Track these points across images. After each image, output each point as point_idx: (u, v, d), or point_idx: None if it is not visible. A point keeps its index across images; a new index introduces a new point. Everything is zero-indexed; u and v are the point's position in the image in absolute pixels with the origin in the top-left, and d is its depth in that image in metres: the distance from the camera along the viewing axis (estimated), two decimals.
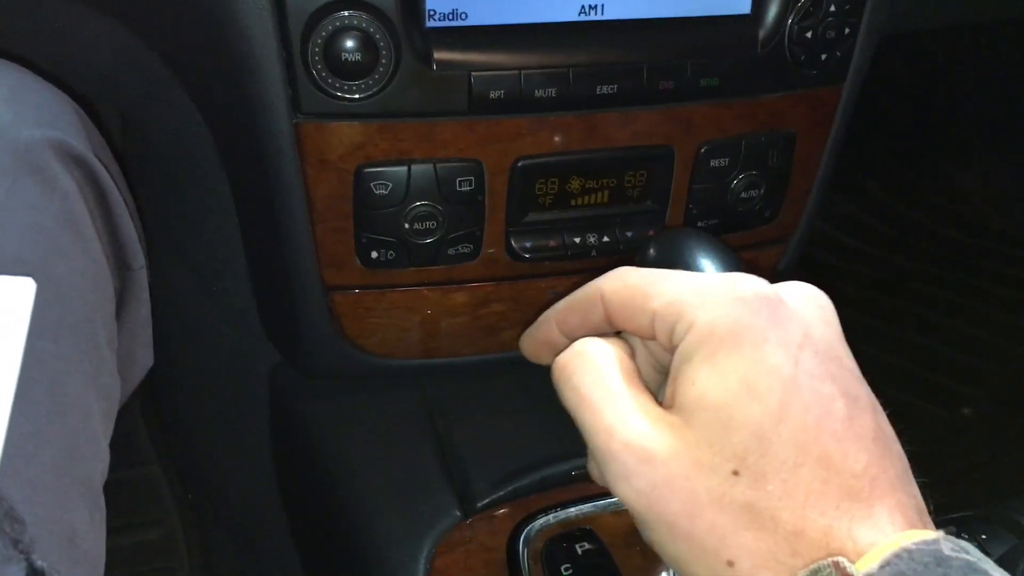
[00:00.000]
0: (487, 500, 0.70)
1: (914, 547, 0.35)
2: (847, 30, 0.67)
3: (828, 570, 0.35)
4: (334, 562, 0.82)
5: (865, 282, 1.61)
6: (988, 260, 1.66)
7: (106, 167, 0.55)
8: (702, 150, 0.69)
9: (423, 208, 0.65)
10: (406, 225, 0.65)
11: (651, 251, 0.65)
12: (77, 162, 0.52)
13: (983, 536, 0.78)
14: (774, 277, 0.43)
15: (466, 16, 0.61)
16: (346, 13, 0.58)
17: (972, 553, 0.36)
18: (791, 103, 0.70)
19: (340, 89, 0.60)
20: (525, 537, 0.67)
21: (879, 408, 0.41)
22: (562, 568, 0.65)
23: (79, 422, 0.46)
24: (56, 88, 0.57)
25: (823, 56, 0.68)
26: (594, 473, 0.44)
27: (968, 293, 1.61)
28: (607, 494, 0.70)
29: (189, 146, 0.77)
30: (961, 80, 1.67)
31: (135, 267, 0.58)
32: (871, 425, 0.39)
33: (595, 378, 0.42)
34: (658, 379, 0.45)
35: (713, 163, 0.69)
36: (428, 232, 0.66)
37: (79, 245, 0.50)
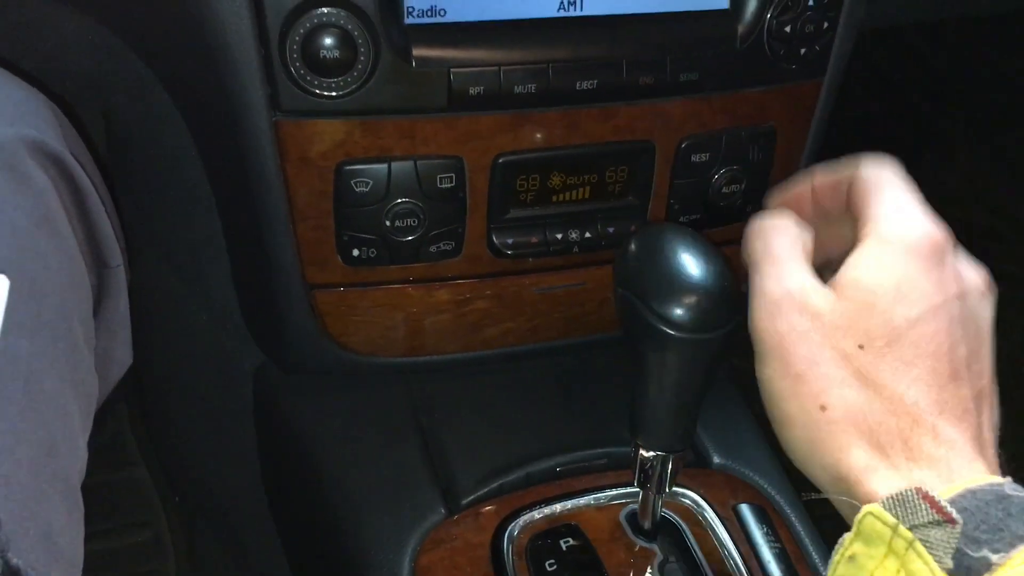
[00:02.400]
0: (472, 497, 0.70)
1: (978, 488, 0.41)
2: (826, 24, 0.67)
3: (914, 495, 0.40)
4: (321, 560, 0.82)
5: None
6: (977, 256, 1.67)
7: (83, 165, 0.55)
8: (683, 145, 0.69)
9: (404, 205, 0.65)
10: (387, 222, 0.65)
11: (633, 246, 0.65)
12: (52, 160, 0.52)
13: None
14: None
15: (445, 13, 0.61)
16: (324, 10, 0.58)
17: None
18: (771, 97, 0.70)
19: (319, 86, 0.59)
20: (510, 534, 0.67)
21: (994, 390, 0.48)
22: (547, 564, 0.65)
23: (55, 420, 0.46)
24: (31, 87, 0.57)
25: (802, 50, 0.68)
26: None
27: None
28: (592, 490, 0.71)
29: (171, 145, 0.77)
30: (943, 74, 1.67)
31: (112, 264, 0.57)
32: (981, 383, 0.46)
33: (784, 241, 0.50)
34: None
35: (694, 158, 0.69)
36: (409, 229, 0.66)
37: (54, 242, 0.50)
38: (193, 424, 1.03)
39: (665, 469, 0.59)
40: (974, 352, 0.46)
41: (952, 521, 0.39)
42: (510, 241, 0.69)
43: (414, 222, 0.66)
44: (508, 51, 0.62)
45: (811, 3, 0.66)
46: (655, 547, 0.66)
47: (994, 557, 0.39)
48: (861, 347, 0.45)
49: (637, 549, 0.66)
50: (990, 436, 0.46)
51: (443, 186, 0.65)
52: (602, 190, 0.69)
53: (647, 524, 0.65)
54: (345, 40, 0.58)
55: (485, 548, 0.67)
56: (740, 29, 0.66)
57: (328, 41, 0.58)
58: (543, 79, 0.63)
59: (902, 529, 0.40)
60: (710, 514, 0.68)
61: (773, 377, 0.47)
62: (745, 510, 0.69)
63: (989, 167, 1.71)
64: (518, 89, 0.62)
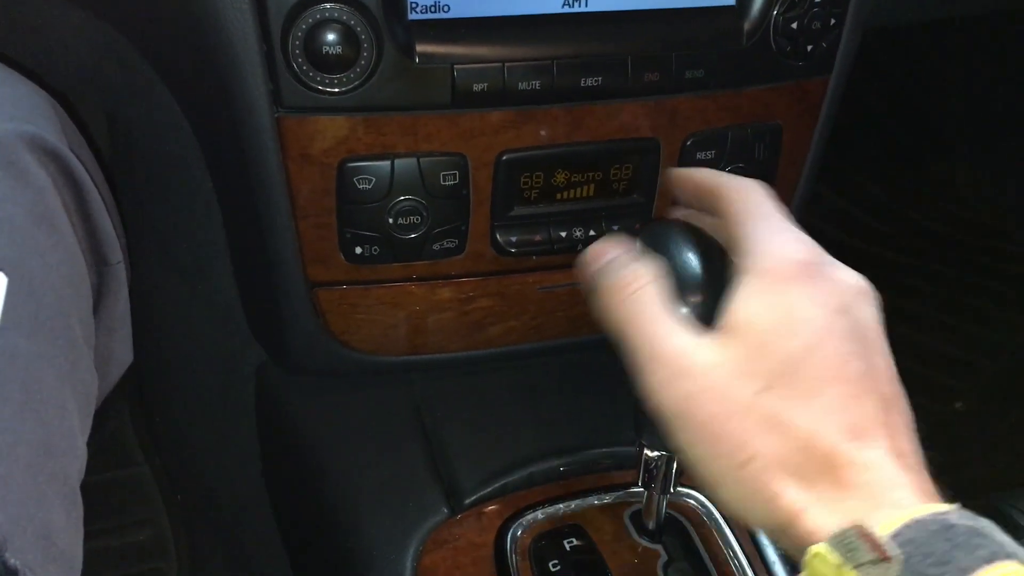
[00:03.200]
0: (475, 497, 0.70)
1: (923, 517, 0.39)
2: (832, 21, 0.67)
3: (853, 534, 0.39)
4: (322, 560, 0.81)
5: None
6: (978, 254, 1.66)
7: (83, 162, 0.54)
8: (688, 142, 0.68)
9: (407, 203, 0.64)
10: (390, 220, 0.65)
11: (638, 244, 0.64)
12: (51, 156, 0.51)
13: None
14: None
15: (448, 8, 0.61)
16: (327, 5, 0.57)
17: (980, 522, 0.39)
18: (777, 95, 0.69)
19: (321, 83, 0.59)
20: (513, 534, 0.67)
21: (899, 393, 0.46)
22: (550, 564, 0.64)
23: (54, 418, 0.46)
24: (31, 83, 0.57)
25: (809, 47, 0.67)
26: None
27: (959, 287, 1.61)
28: (596, 490, 0.71)
29: (173, 143, 0.77)
30: (950, 73, 1.67)
31: (112, 262, 0.57)
32: (883, 391, 0.45)
33: (645, 298, 0.48)
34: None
35: (699, 155, 0.69)
36: (412, 227, 0.65)
37: (53, 239, 0.49)
38: (195, 423, 1.02)
39: (670, 469, 0.58)
40: (870, 362, 0.45)
41: (888, 559, 0.38)
42: (514, 239, 0.69)
43: (417, 220, 0.65)
44: (512, 47, 0.62)
45: (817, 0, 0.66)
46: (660, 548, 0.65)
47: None
48: (768, 388, 0.44)
49: (641, 550, 0.65)
50: (908, 444, 0.44)
51: (446, 183, 0.65)
52: (606, 188, 0.69)
53: (652, 524, 0.64)
54: (348, 36, 0.58)
55: (488, 548, 0.66)
56: (746, 26, 0.65)
57: (331, 37, 0.58)
58: (547, 76, 0.62)
59: (845, 571, 0.39)
60: (715, 514, 0.68)
61: (689, 444, 0.46)
62: None
63: (994, 166, 1.70)
64: (522, 86, 0.62)
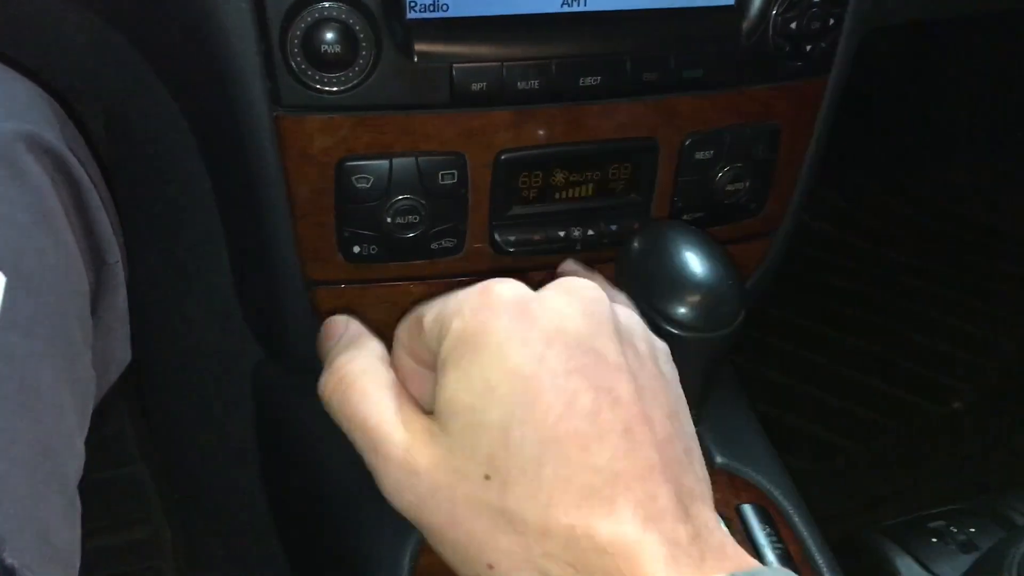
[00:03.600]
0: None
1: None
2: (831, 21, 0.67)
3: None
4: (320, 559, 0.81)
5: (854, 276, 1.61)
6: (977, 254, 1.67)
7: (81, 161, 0.54)
8: (687, 142, 0.68)
9: (405, 202, 0.64)
10: (388, 219, 0.65)
11: (636, 244, 0.64)
12: (49, 155, 0.51)
13: (972, 529, 0.78)
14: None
15: (447, 7, 0.61)
16: (326, 4, 0.57)
17: None
18: (776, 95, 0.69)
19: (320, 81, 0.59)
20: None
21: (657, 398, 0.41)
22: None
23: (52, 418, 0.46)
24: (29, 81, 0.56)
25: (807, 48, 0.67)
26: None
27: (957, 287, 1.61)
28: None
29: (171, 141, 0.77)
30: (950, 73, 1.67)
31: (110, 261, 0.57)
32: (623, 417, 0.39)
33: (363, 400, 0.43)
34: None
35: (698, 155, 0.69)
36: (411, 226, 0.65)
37: (51, 238, 0.49)
38: (192, 421, 1.02)
39: None
40: (603, 388, 0.39)
41: None
42: (512, 238, 0.69)
43: (415, 219, 0.65)
44: (511, 47, 0.62)
45: (816, 0, 0.66)
46: None
47: None
48: (488, 478, 0.39)
49: None
50: (655, 483, 0.38)
51: (445, 183, 0.65)
52: (605, 187, 0.69)
53: None
54: (347, 35, 0.58)
55: None
56: (745, 26, 0.65)
57: (329, 36, 0.58)
58: (546, 75, 0.62)
59: None
60: None
61: (435, 546, 0.42)
62: (748, 511, 0.68)
63: (993, 165, 1.71)
64: (521, 85, 0.62)
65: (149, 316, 0.87)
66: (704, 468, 0.43)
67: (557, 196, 0.68)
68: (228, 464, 0.99)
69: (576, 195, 0.69)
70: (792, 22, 0.66)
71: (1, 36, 0.67)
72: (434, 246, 0.67)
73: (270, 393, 0.84)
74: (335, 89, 0.59)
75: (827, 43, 0.68)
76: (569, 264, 0.61)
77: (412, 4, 0.60)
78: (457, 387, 0.40)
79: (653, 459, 0.39)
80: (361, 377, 0.44)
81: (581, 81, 0.63)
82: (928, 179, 1.76)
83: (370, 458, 0.43)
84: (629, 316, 0.45)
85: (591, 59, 0.63)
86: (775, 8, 0.65)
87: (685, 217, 0.71)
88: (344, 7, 0.57)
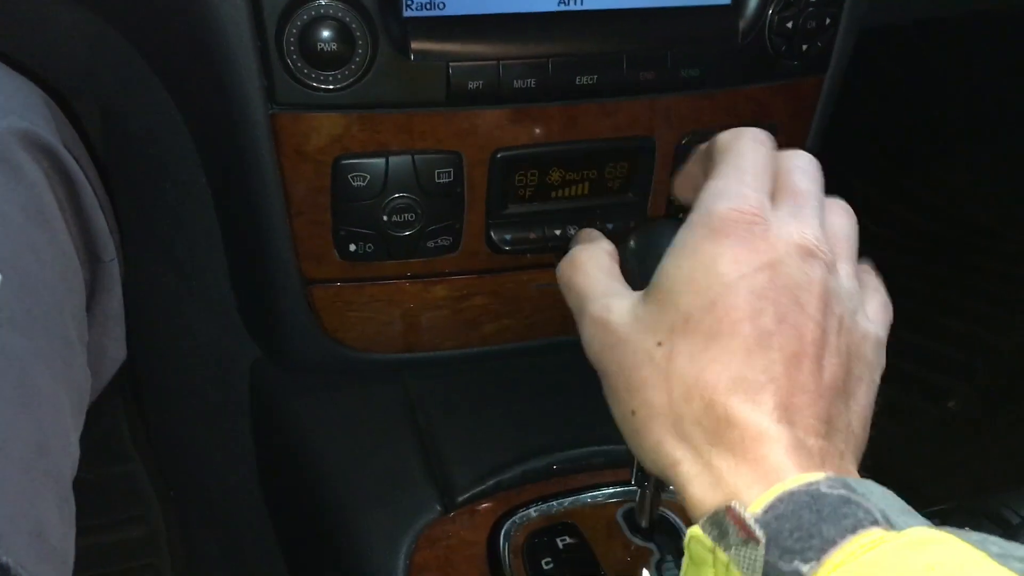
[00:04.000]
0: (468, 495, 0.70)
1: (796, 489, 0.39)
2: (827, 20, 0.67)
3: (723, 514, 0.40)
4: (316, 557, 0.81)
5: None
6: (974, 255, 1.67)
7: (77, 159, 0.54)
8: (683, 141, 0.68)
9: (401, 200, 0.64)
10: (384, 217, 0.65)
11: (632, 243, 0.64)
12: (45, 152, 0.51)
13: (967, 528, 0.78)
14: None
15: (444, 6, 0.61)
16: (323, 2, 0.57)
17: (851, 487, 0.39)
18: (772, 94, 0.69)
19: (316, 79, 0.59)
20: (506, 531, 0.67)
21: (839, 355, 0.45)
22: (543, 562, 0.65)
23: (48, 416, 0.46)
24: (25, 78, 0.56)
25: (804, 47, 0.67)
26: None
27: (954, 287, 1.61)
28: (588, 488, 0.71)
29: (168, 139, 0.77)
30: (946, 72, 1.67)
31: (105, 259, 0.57)
32: (796, 348, 0.43)
33: (582, 274, 0.52)
34: None
35: None
36: (407, 224, 0.65)
37: (47, 236, 0.49)
38: (188, 419, 1.02)
39: None
40: (782, 317, 0.44)
41: (756, 540, 0.38)
42: (508, 237, 0.69)
43: (411, 217, 0.65)
44: (507, 45, 0.62)
45: (813, 0, 0.66)
46: (652, 546, 0.65)
47: (804, 568, 0.37)
48: (660, 344, 0.45)
49: (634, 548, 0.66)
50: (805, 399, 0.43)
51: (441, 181, 0.65)
52: (601, 186, 0.69)
53: (644, 522, 0.64)
54: (343, 33, 0.58)
55: (481, 546, 0.67)
56: (742, 25, 0.65)
57: (326, 34, 0.58)
58: (543, 74, 0.62)
59: (719, 552, 0.40)
60: None
61: (606, 394, 0.49)
62: None
63: (989, 165, 1.71)
64: (517, 84, 0.62)
65: (146, 314, 0.87)
66: (861, 434, 0.46)
67: (553, 195, 0.68)
68: (224, 462, 0.99)
69: (572, 194, 0.69)
70: (788, 21, 0.66)
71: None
72: (430, 244, 0.67)
73: (267, 391, 0.84)
74: (331, 87, 0.59)
75: (823, 42, 0.68)
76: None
77: (408, 2, 0.60)
78: (670, 267, 0.47)
79: (810, 387, 0.43)
80: (586, 261, 0.53)
81: (578, 80, 0.63)
82: (923, 178, 1.77)
83: (577, 316, 0.51)
84: (852, 290, 0.49)
85: (588, 58, 0.63)
86: (772, 7, 0.65)
87: (681, 216, 0.71)
88: (340, 5, 0.57)
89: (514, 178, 0.67)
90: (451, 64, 0.61)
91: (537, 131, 0.65)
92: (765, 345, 0.43)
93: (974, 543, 0.36)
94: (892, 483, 0.42)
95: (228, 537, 1.06)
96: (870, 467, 0.46)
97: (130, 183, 0.86)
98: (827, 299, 0.45)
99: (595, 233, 0.58)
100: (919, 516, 0.39)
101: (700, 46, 0.65)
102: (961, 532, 0.37)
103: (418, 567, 0.66)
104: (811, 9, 0.66)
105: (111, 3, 0.67)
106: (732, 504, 0.40)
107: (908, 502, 0.41)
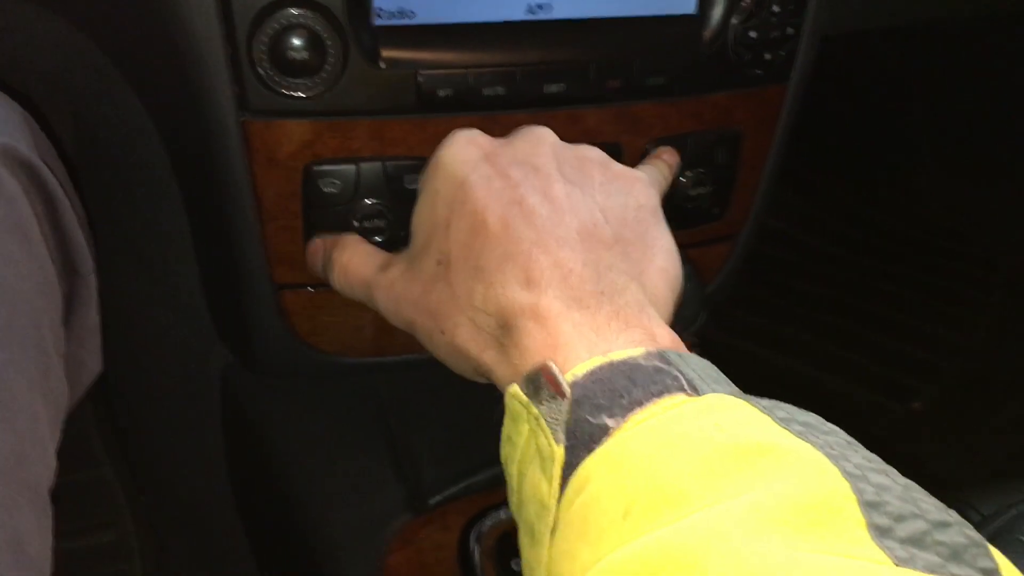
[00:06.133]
0: (439, 497, 0.71)
1: (616, 360, 0.43)
2: (790, 30, 0.68)
3: (538, 374, 0.43)
4: (288, 560, 0.82)
5: (818, 278, 1.63)
6: (939, 256, 1.69)
7: (54, 171, 0.54)
8: (649, 147, 0.69)
9: (372, 206, 0.65)
10: (356, 223, 0.65)
11: None
12: (23, 167, 0.51)
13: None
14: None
15: (414, 15, 0.61)
16: (293, 11, 0.58)
17: (667, 359, 0.43)
18: (737, 102, 0.70)
19: (287, 87, 0.59)
20: (477, 533, 0.68)
21: (583, 201, 0.51)
22: (512, 564, 0.65)
23: (25, 428, 0.46)
24: (2, 92, 0.56)
25: (767, 56, 0.68)
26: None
27: (920, 289, 1.63)
28: None
29: (139, 145, 0.77)
30: (911, 79, 1.70)
31: (83, 272, 0.57)
32: (549, 210, 0.49)
33: (352, 270, 0.59)
34: None
35: None
36: (378, 230, 0.66)
37: (25, 250, 0.49)
38: (160, 423, 1.02)
39: None
40: (536, 191, 0.50)
41: (564, 395, 0.42)
42: None
43: (382, 223, 0.66)
44: (476, 54, 0.62)
45: (776, 10, 0.67)
46: None
47: (611, 422, 0.40)
48: (439, 263, 0.50)
49: None
50: (585, 264, 0.47)
51: (411, 187, 0.65)
52: None
53: None
54: (313, 41, 0.58)
55: (452, 548, 0.67)
56: (706, 34, 0.66)
57: (296, 42, 0.58)
58: (511, 82, 0.63)
59: (532, 407, 0.43)
60: None
61: (421, 339, 0.54)
62: None
63: (954, 169, 1.73)
64: (486, 92, 0.63)
65: (117, 319, 0.86)
66: (640, 264, 0.51)
67: None
68: (196, 467, 0.99)
69: None
70: (752, 31, 0.67)
71: None
72: (401, 249, 0.68)
73: (238, 396, 0.85)
74: (302, 95, 0.60)
75: (786, 51, 0.69)
76: None
77: (379, 11, 0.61)
78: (420, 205, 0.53)
79: (569, 236, 0.48)
80: (353, 260, 0.59)
81: (546, 88, 0.64)
82: (890, 183, 1.79)
83: (370, 302, 0.57)
84: (586, 148, 0.56)
85: (556, 66, 0.64)
86: (735, 17, 0.66)
87: None
88: (311, 14, 0.58)
89: None
90: (421, 72, 0.61)
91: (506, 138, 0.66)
92: (518, 216, 0.48)
93: (763, 408, 0.40)
94: None
95: (200, 542, 1.06)
96: None
97: (101, 187, 0.85)
98: (558, 153, 0.53)
99: (328, 240, 0.63)
100: (729, 386, 0.43)
101: (666, 55, 0.66)
102: (756, 399, 0.41)
103: (391, 569, 0.67)
104: (774, 19, 0.67)
105: (82, 10, 0.68)
106: (547, 363, 0.43)
107: None
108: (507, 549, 0.66)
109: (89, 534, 1.12)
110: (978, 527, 0.84)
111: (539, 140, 0.54)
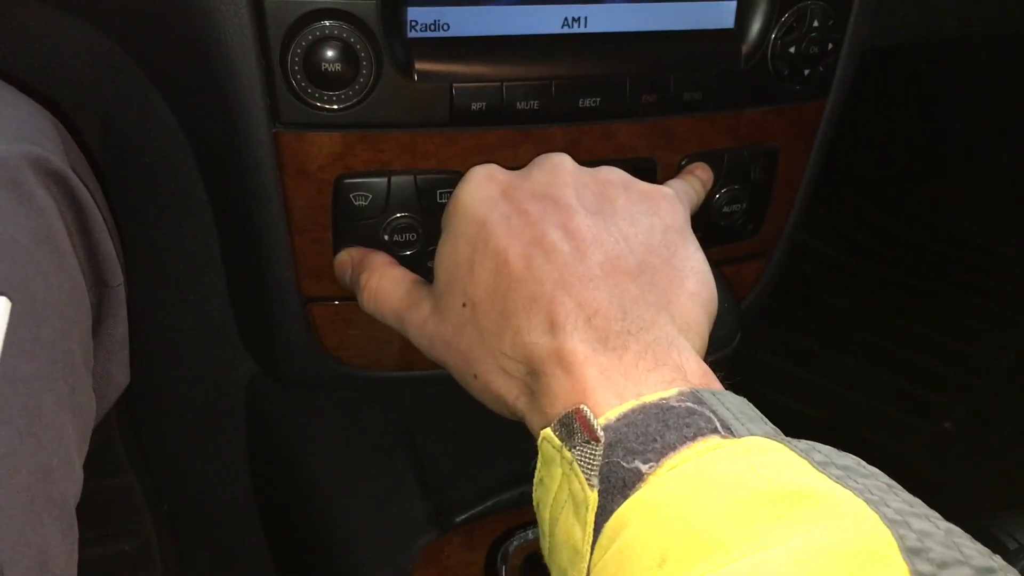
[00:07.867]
0: (465, 515, 0.70)
1: (648, 403, 0.42)
2: (830, 45, 0.67)
3: (572, 417, 0.43)
4: (311, 574, 0.81)
5: (849, 294, 1.61)
6: (970, 273, 1.67)
7: (84, 183, 0.54)
8: (685, 163, 0.68)
9: (403, 220, 0.64)
10: (386, 237, 0.64)
11: None
12: (55, 178, 0.51)
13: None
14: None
15: (448, 27, 0.61)
16: (327, 23, 0.57)
17: (700, 399, 0.42)
18: (774, 118, 0.69)
19: (320, 99, 0.59)
20: (504, 552, 0.67)
21: (608, 231, 0.50)
22: None
23: (53, 443, 0.45)
24: (35, 102, 0.56)
25: (806, 71, 0.67)
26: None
27: (951, 306, 1.61)
28: None
29: (169, 153, 0.77)
30: (942, 93, 1.68)
31: (112, 284, 0.57)
32: (571, 246, 0.48)
33: (383, 298, 0.58)
34: None
35: None
36: (408, 244, 0.65)
37: (56, 262, 0.49)
38: (183, 432, 1.02)
39: None
40: (554, 226, 0.49)
41: (597, 439, 0.41)
42: None
43: (412, 236, 0.65)
44: (511, 67, 0.62)
45: (815, 24, 0.66)
46: None
47: (644, 467, 0.40)
48: (464, 305, 0.50)
49: None
50: (612, 322, 0.46)
51: (443, 201, 0.64)
52: None
53: None
54: (347, 53, 0.58)
55: (479, 567, 0.66)
56: (744, 49, 0.65)
57: (330, 54, 0.58)
58: (546, 96, 0.62)
59: (565, 451, 0.42)
60: None
61: (456, 378, 0.54)
62: None
63: (984, 184, 1.71)
64: (520, 105, 0.62)
65: (144, 329, 0.86)
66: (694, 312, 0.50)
67: None
68: (219, 476, 0.98)
69: None
70: (791, 46, 0.66)
71: (1, 50, 0.67)
72: (431, 264, 0.67)
73: (264, 407, 0.84)
74: (335, 107, 0.59)
75: (825, 66, 0.68)
76: None
77: (413, 23, 0.60)
78: (443, 244, 0.53)
79: (592, 272, 0.48)
80: (382, 286, 0.59)
81: (581, 102, 0.63)
82: (920, 197, 1.77)
83: (403, 332, 0.57)
84: (606, 170, 0.55)
85: (591, 80, 0.63)
86: (774, 32, 0.65)
87: None
88: (345, 25, 0.57)
89: None
90: (455, 85, 0.61)
91: (539, 152, 0.65)
92: (539, 254, 0.48)
93: (800, 451, 0.39)
94: None
95: (221, 552, 1.05)
96: None
97: (129, 196, 0.85)
98: (578, 182, 0.52)
99: (367, 253, 0.63)
100: (765, 425, 0.42)
101: (703, 70, 0.65)
102: (792, 441, 0.40)
103: None
104: (814, 34, 0.66)
105: (113, 19, 0.67)
106: (580, 407, 0.43)
107: None
108: (534, 570, 0.65)
109: (111, 542, 1.12)
110: (1014, 556, 0.82)
111: (557, 170, 0.53)
